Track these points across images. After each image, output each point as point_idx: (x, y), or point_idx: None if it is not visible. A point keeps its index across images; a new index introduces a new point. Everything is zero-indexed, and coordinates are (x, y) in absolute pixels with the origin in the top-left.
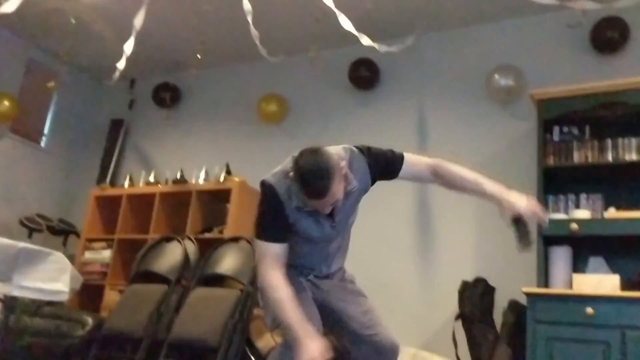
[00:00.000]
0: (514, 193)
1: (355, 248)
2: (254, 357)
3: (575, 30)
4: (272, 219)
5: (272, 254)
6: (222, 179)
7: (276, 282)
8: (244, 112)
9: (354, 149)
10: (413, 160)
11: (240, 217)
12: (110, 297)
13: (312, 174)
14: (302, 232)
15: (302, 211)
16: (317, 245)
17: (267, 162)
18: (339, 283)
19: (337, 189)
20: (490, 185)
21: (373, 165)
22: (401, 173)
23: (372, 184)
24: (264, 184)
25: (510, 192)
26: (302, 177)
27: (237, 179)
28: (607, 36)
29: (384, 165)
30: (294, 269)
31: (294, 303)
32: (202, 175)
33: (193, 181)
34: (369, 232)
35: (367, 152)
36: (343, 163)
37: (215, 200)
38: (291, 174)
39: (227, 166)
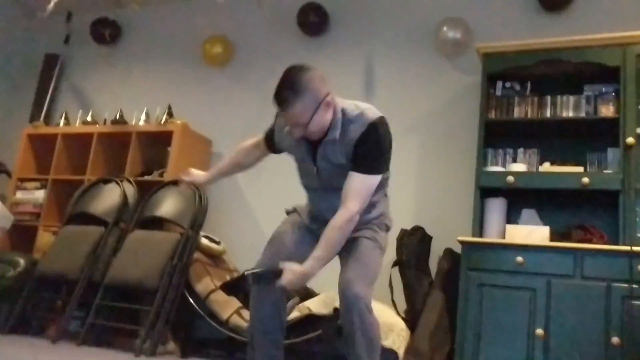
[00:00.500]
0: (299, 273)
1: (294, 194)
2: (192, 300)
3: None
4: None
5: (258, 138)
6: (163, 121)
7: (240, 146)
8: (188, 53)
9: (369, 117)
10: (365, 184)
11: (181, 160)
12: (44, 238)
13: (282, 81)
14: (288, 151)
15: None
16: (310, 177)
17: (210, 106)
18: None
19: (303, 110)
20: (313, 258)
21: (359, 145)
22: (351, 174)
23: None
24: None
25: (300, 271)
26: (278, 82)
27: (179, 122)
28: None
29: (358, 155)
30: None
31: (236, 156)
32: (143, 116)
33: (133, 122)
34: None
35: (371, 129)
36: (329, 97)
37: (156, 143)
38: None
39: (169, 108)
